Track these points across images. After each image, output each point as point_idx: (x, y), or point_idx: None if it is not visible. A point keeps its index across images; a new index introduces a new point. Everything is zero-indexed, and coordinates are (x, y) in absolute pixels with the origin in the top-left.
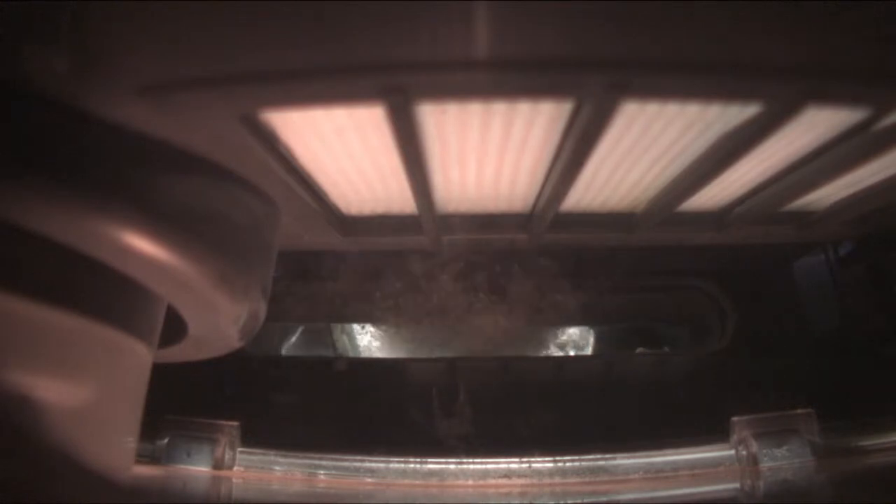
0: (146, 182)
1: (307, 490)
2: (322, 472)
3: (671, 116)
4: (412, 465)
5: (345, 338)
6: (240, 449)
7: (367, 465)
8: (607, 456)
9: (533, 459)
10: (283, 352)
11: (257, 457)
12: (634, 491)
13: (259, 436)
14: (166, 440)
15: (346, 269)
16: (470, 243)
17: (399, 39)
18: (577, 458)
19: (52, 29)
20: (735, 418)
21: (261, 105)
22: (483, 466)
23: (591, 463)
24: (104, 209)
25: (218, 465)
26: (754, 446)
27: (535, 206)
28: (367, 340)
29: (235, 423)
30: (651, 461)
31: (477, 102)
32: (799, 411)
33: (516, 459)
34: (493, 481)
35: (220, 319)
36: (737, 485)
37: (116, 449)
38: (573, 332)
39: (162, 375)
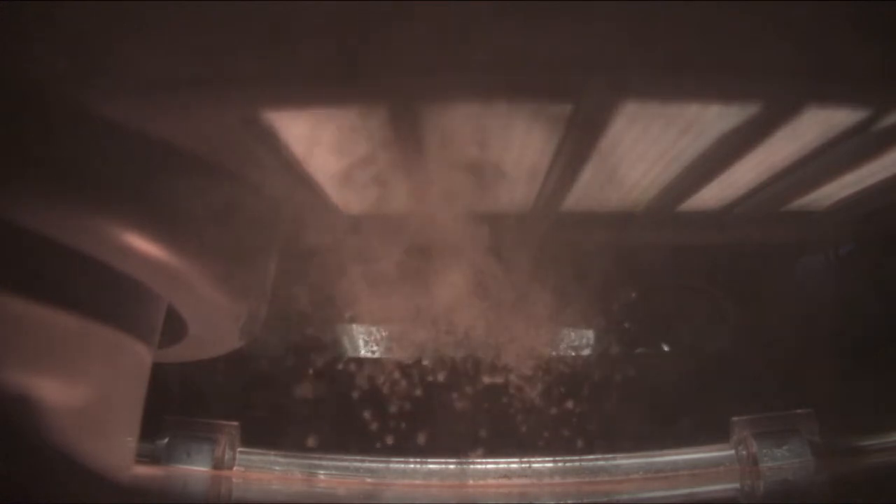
0: (146, 182)
1: (307, 490)
2: (322, 472)
3: (671, 116)
4: (412, 465)
5: (345, 338)
6: (240, 449)
7: (367, 465)
8: (607, 456)
9: (533, 459)
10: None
11: (257, 457)
12: (634, 491)
13: (258, 435)
14: (166, 440)
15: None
16: (468, 243)
17: (399, 40)
18: (577, 458)
19: (52, 29)
20: (735, 418)
21: (261, 105)
22: (483, 466)
23: (591, 463)
24: (104, 209)
25: (218, 465)
26: (754, 446)
27: (534, 205)
28: (366, 340)
29: (235, 423)
30: (651, 461)
31: (477, 103)
32: (799, 411)
33: (516, 459)
34: (493, 481)
35: (220, 319)
36: (737, 485)
37: (116, 449)
38: (572, 331)
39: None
